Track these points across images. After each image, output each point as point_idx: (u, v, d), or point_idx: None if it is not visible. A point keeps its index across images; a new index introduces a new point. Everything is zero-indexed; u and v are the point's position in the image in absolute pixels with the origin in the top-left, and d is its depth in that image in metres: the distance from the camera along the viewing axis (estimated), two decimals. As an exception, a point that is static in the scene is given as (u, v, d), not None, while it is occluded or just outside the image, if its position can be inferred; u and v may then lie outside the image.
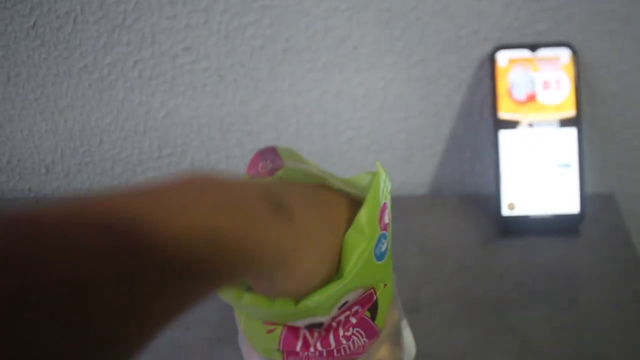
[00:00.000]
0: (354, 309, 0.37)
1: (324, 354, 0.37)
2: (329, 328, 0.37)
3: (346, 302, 0.36)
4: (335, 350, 0.37)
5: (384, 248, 0.36)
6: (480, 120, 0.65)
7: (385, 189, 0.36)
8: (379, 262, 0.36)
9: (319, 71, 0.64)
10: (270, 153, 0.37)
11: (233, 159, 0.70)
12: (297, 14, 0.61)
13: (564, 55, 0.60)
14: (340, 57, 0.63)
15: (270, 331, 0.37)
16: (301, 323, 0.36)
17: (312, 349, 0.36)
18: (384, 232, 0.36)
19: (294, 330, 0.37)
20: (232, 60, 0.64)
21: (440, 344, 0.53)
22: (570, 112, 0.60)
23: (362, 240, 0.34)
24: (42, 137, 0.71)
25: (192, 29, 0.63)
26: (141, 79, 0.66)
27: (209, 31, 0.63)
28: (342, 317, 0.37)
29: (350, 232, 0.34)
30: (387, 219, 0.36)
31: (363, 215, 0.34)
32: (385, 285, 0.38)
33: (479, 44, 0.61)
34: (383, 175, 0.36)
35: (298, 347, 0.36)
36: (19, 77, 0.67)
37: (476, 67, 0.63)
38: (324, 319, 0.36)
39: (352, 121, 0.66)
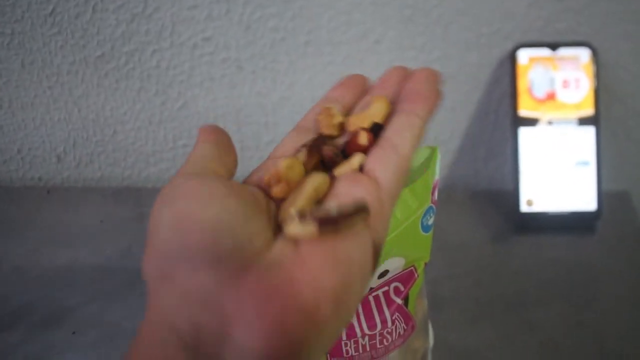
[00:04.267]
0: (393, 285, 0.37)
1: (368, 347, 0.37)
2: (367, 304, 0.37)
3: (386, 272, 0.36)
4: (378, 340, 0.37)
5: (430, 221, 0.36)
6: (497, 118, 0.66)
7: (438, 168, 0.37)
8: (424, 234, 0.36)
9: (339, 65, 0.64)
10: None
11: (248, 151, 0.70)
12: (320, 7, 0.61)
13: (583, 55, 0.61)
14: (361, 51, 0.63)
15: None
16: None
17: (358, 332, 0.36)
18: (433, 205, 0.36)
19: None
20: (252, 51, 0.64)
21: (461, 339, 0.53)
22: (589, 110, 0.61)
23: (413, 202, 0.34)
24: (55, 125, 0.70)
25: (213, 19, 0.62)
26: (159, 69, 0.66)
27: (230, 22, 0.62)
28: (380, 292, 0.37)
29: (406, 191, 0.34)
30: (436, 196, 0.37)
31: (420, 180, 0.34)
32: (425, 264, 0.38)
33: (500, 42, 0.62)
34: (439, 154, 0.37)
35: (344, 335, 0.36)
36: (34, 64, 0.66)
37: (496, 65, 0.63)
38: None
39: (370, 116, 0.66)
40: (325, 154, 0.27)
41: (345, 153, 0.27)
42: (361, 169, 0.26)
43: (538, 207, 0.61)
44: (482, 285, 0.57)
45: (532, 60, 0.61)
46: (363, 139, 0.27)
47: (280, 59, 0.64)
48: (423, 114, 0.27)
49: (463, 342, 0.53)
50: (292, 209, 0.24)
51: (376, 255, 0.24)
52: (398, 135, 0.27)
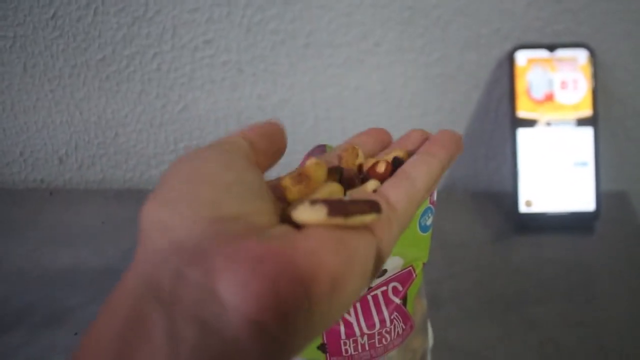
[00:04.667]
0: (392, 285, 0.37)
1: (367, 346, 0.37)
2: (366, 304, 0.37)
3: (385, 271, 0.37)
4: (377, 340, 0.37)
5: (428, 222, 0.37)
6: (496, 118, 0.66)
7: None
8: (422, 234, 0.37)
9: (339, 67, 0.64)
10: (318, 151, 0.38)
11: (249, 154, 0.70)
12: (320, 9, 0.61)
13: (581, 56, 0.61)
14: (361, 53, 0.63)
15: None
16: None
17: (357, 332, 0.36)
18: (431, 206, 0.36)
19: None
20: (253, 54, 0.64)
21: (461, 338, 0.53)
22: (587, 111, 0.61)
23: None
24: (57, 128, 0.70)
25: (214, 22, 0.63)
26: (159, 72, 0.66)
27: (230, 24, 0.63)
28: (379, 292, 0.37)
29: None
30: (435, 196, 0.37)
31: None
32: (423, 264, 0.39)
33: (499, 43, 0.62)
34: None
35: (343, 334, 0.36)
36: (36, 68, 0.67)
37: (495, 66, 0.63)
38: None
39: (370, 117, 0.67)
40: (346, 173, 0.27)
41: (363, 181, 0.28)
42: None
43: (537, 207, 0.61)
44: (482, 284, 0.58)
45: (530, 61, 0.61)
46: (381, 167, 0.28)
47: (281, 61, 0.65)
48: (441, 157, 0.28)
49: (463, 341, 0.53)
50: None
51: (378, 262, 0.24)
52: (414, 168, 0.27)
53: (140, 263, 0.21)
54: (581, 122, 0.61)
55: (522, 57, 0.61)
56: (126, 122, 0.69)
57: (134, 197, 0.70)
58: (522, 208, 0.62)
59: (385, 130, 0.33)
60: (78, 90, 0.68)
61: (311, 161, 0.26)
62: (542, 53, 0.61)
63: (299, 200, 0.24)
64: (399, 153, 0.29)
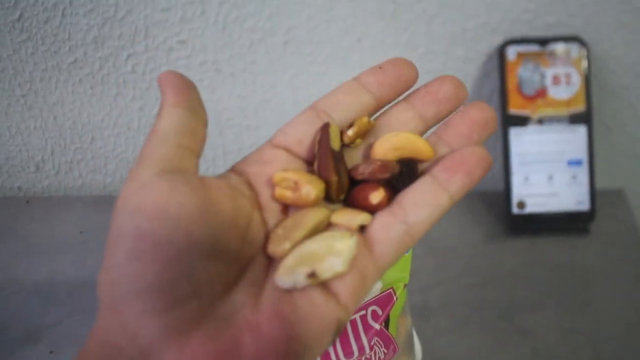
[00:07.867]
0: (370, 309, 0.35)
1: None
2: (343, 330, 0.35)
3: None
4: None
5: None
6: (487, 114, 0.64)
7: None
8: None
9: (320, 64, 0.61)
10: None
11: (230, 155, 0.68)
12: (299, 5, 0.58)
13: (574, 49, 0.58)
14: (343, 50, 0.61)
15: None
16: None
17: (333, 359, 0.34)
18: None
19: None
20: (230, 53, 0.62)
21: (450, 348, 0.51)
22: (581, 107, 0.58)
23: None
24: (31, 134, 0.68)
25: (188, 21, 0.60)
26: (135, 74, 0.63)
27: (205, 23, 0.60)
28: (357, 317, 0.35)
29: None
30: None
31: None
32: (405, 285, 0.36)
33: (487, 36, 0.59)
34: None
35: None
36: (5, 72, 0.64)
37: (484, 60, 0.61)
38: None
39: (355, 116, 0.64)
40: (356, 175, 0.25)
41: (351, 198, 0.24)
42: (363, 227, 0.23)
43: (530, 208, 0.59)
44: (473, 291, 0.56)
45: (521, 56, 0.59)
46: (376, 197, 0.23)
47: (260, 60, 0.62)
48: (455, 192, 0.23)
49: (453, 351, 0.51)
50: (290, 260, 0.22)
51: (336, 333, 0.22)
52: (416, 210, 0.23)
53: (103, 340, 0.21)
54: (574, 118, 0.59)
55: (512, 52, 0.59)
56: (103, 125, 0.67)
57: (114, 204, 0.68)
58: (515, 209, 0.59)
59: (408, 63, 0.26)
60: (51, 94, 0.65)
61: (312, 184, 0.23)
62: (533, 47, 0.59)
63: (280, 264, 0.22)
64: (407, 148, 0.25)
